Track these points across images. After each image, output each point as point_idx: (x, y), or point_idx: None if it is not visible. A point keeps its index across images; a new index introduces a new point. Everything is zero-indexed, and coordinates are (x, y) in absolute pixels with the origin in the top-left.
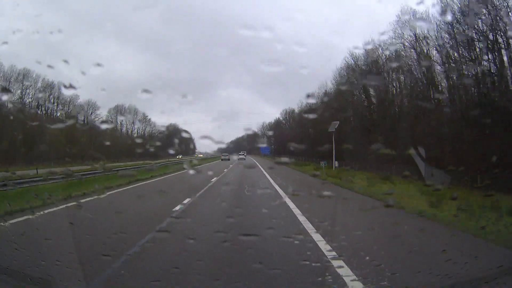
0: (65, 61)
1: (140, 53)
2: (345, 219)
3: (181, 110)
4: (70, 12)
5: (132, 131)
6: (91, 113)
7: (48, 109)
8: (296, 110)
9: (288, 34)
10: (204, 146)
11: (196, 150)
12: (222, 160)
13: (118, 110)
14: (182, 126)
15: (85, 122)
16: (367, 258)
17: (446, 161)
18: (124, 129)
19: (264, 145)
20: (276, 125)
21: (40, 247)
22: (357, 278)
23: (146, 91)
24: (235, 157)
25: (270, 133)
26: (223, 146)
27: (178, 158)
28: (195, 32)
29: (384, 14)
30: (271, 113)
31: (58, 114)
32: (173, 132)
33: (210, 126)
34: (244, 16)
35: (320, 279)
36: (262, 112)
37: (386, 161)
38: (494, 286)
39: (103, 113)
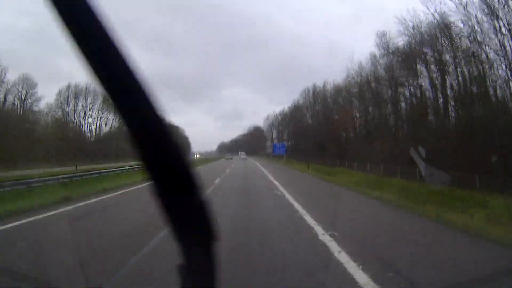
0: (66, 57)
1: (141, 51)
2: None
3: (182, 108)
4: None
5: (89, 124)
6: (27, 94)
7: None
8: (331, 84)
9: (294, 32)
10: (202, 145)
11: (193, 150)
12: (226, 159)
13: (71, 92)
14: (173, 121)
15: (18, 106)
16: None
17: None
18: (75, 119)
19: (270, 143)
20: (293, 113)
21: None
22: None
23: None
24: (235, 157)
25: (273, 132)
26: (224, 144)
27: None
28: (198, 30)
29: (392, 11)
30: (274, 111)
31: None
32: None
33: (211, 125)
34: (248, 14)
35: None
36: (265, 110)
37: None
38: (494, 286)
39: (41, 92)
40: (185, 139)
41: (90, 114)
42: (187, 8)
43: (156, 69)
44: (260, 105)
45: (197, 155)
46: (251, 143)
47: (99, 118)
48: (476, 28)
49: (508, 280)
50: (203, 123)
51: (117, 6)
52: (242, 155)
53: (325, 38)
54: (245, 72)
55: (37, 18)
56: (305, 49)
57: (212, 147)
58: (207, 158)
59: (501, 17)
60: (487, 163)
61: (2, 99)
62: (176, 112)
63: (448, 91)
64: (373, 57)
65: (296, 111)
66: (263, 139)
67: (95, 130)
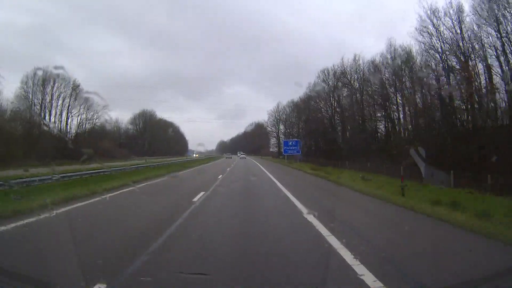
0: (66, 55)
1: (143, 48)
2: None
3: (183, 106)
4: (72, 6)
5: (59, 118)
6: None
7: None
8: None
9: (297, 30)
10: (202, 144)
11: (190, 149)
12: (226, 158)
13: (39, 78)
14: (168, 118)
15: None
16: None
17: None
18: (40, 111)
19: (276, 140)
20: (308, 102)
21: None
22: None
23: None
24: (234, 156)
25: (279, 127)
26: (224, 142)
27: None
28: (200, 27)
29: (396, 10)
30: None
31: None
32: (145, 124)
33: (212, 123)
34: (251, 12)
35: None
36: (267, 110)
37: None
38: (494, 286)
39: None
40: (180, 135)
41: (56, 104)
42: (189, 5)
43: (158, 67)
44: (262, 105)
45: (195, 155)
46: (252, 141)
47: (68, 110)
48: None
49: (508, 280)
50: (204, 121)
51: (121, 4)
52: (241, 154)
53: (329, 36)
54: (248, 71)
55: None
56: (308, 48)
57: (213, 146)
58: (187, 161)
59: None
60: None
61: None
62: (178, 109)
63: None
64: None
65: (311, 99)
66: (266, 137)
67: (65, 123)
